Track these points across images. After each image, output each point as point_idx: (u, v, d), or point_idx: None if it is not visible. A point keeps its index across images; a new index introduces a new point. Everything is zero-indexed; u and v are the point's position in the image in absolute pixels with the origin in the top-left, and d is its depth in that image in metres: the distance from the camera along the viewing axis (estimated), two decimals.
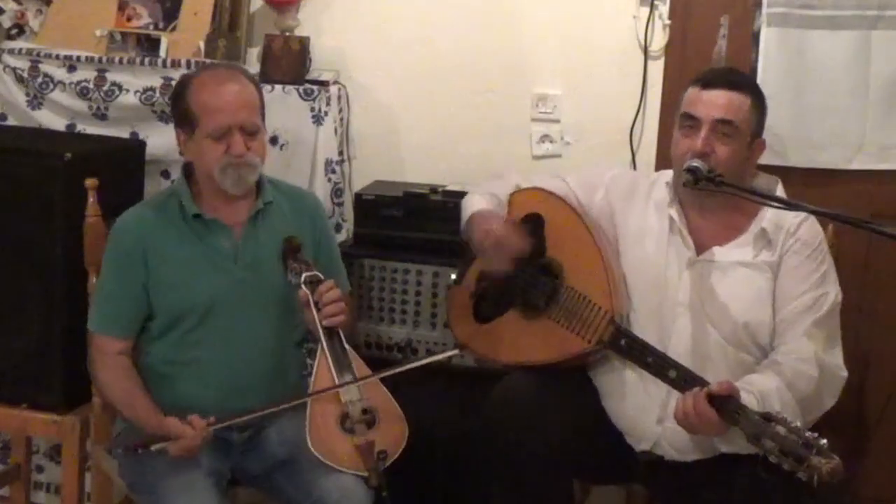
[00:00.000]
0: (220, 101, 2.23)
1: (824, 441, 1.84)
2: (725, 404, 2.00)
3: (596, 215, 2.43)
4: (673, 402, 2.13)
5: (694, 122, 2.23)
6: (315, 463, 2.14)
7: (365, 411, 2.18)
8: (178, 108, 2.29)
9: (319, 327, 2.22)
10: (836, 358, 2.22)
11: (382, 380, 2.28)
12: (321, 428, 2.16)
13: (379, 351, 2.78)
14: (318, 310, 2.22)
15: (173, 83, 2.82)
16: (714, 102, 2.22)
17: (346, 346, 2.25)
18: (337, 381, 2.18)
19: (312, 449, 2.13)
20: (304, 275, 2.25)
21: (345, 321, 2.26)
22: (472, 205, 2.45)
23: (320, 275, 2.26)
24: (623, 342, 2.21)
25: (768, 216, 2.26)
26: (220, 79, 2.27)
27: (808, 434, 1.85)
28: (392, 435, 2.19)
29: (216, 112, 2.22)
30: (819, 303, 2.20)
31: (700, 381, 2.08)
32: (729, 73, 2.40)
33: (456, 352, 2.31)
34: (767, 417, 1.91)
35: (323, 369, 2.21)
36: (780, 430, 1.88)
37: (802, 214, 2.24)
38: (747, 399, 2.02)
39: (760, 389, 2.09)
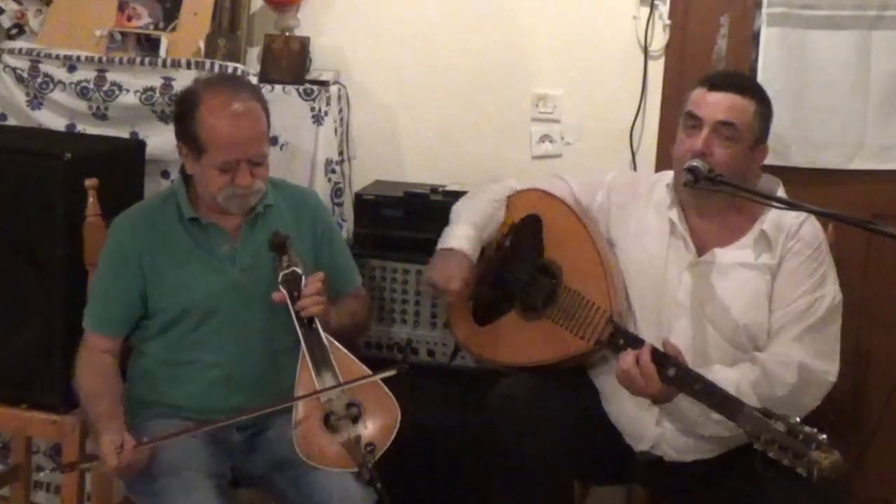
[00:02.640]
0: (229, 135, 2.19)
1: (823, 436, 1.84)
2: (666, 363, 2.04)
3: (596, 216, 2.44)
4: (673, 403, 2.14)
5: (696, 122, 2.24)
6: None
7: (349, 405, 2.15)
8: (185, 128, 2.25)
9: (296, 324, 2.20)
10: (827, 363, 2.19)
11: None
12: (306, 430, 2.15)
13: (379, 351, 2.78)
14: (296, 308, 2.21)
15: (173, 83, 2.85)
16: (718, 104, 2.22)
17: (326, 342, 2.20)
18: (315, 381, 2.16)
19: (300, 453, 2.12)
20: (281, 273, 2.23)
21: (322, 311, 2.23)
22: (452, 232, 2.42)
23: (299, 270, 2.24)
24: (621, 342, 2.21)
25: (769, 218, 2.26)
26: (230, 104, 2.20)
27: (807, 429, 1.85)
28: (380, 425, 2.16)
29: (225, 147, 2.19)
30: (814, 307, 2.20)
31: None
32: (736, 76, 2.40)
33: (393, 372, 2.20)
34: (766, 414, 1.91)
35: (303, 369, 2.19)
36: (780, 426, 1.88)
37: (803, 216, 2.24)
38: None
39: (717, 378, 2.08)
